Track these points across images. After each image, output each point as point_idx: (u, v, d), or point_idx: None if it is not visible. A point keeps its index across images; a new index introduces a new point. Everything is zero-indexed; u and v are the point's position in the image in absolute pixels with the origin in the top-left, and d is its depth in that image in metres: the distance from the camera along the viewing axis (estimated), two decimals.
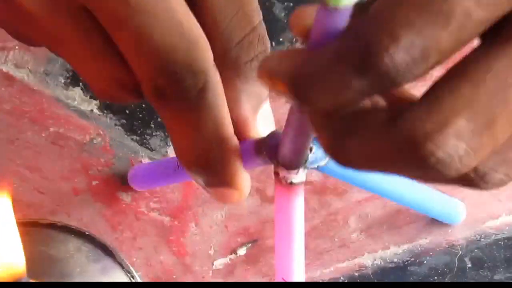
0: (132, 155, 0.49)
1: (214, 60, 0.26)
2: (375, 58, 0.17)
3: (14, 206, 0.33)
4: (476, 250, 0.48)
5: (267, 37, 0.29)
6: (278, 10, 0.51)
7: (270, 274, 0.47)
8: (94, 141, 0.49)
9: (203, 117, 0.26)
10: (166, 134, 0.49)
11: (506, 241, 0.48)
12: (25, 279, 0.33)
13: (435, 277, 0.47)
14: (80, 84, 0.50)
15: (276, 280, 0.35)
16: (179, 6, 0.24)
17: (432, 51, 0.17)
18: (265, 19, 0.29)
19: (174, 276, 0.47)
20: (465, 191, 0.47)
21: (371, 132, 0.19)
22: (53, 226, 0.42)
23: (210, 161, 0.27)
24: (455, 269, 0.47)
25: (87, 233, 0.42)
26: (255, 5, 0.28)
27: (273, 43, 0.51)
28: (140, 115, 0.49)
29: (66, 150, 0.48)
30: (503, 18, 0.18)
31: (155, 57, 0.24)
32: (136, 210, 0.48)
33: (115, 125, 0.49)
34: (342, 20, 0.18)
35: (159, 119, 0.49)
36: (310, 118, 0.21)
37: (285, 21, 0.51)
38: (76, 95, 0.49)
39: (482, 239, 0.48)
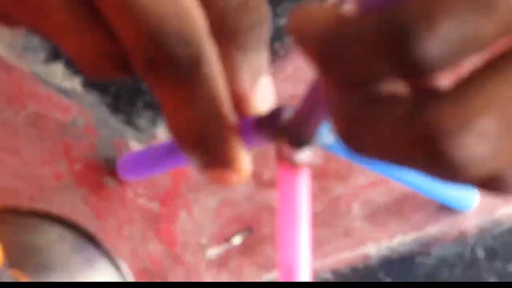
0: (118, 136, 0.48)
1: (210, 28, 0.25)
2: (407, 47, 0.18)
3: None
4: (489, 239, 0.48)
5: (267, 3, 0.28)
6: None
7: (266, 265, 0.47)
8: (77, 122, 0.48)
9: (197, 91, 0.25)
10: (155, 114, 0.49)
11: None
12: (4, 268, 0.34)
13: (445, 269, 0.47)
14: (62, 59, 0.49)
15: (278, 269, 0.35)
16: None
17: (471, 43, 0.18)
18: None
19: (164, 268, 0.47)
20: None
21: (389, 119, 0.20)
22: (33, 213, 0.42)
23: (206, 139, 0.27)
24: (466, 259, 0.47)
25: (69, 221, 0.42)
26: None
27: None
28: (127, 94, 0.49)
29: (46, 132, 0.47)
30: None
31: (143, 25, 0.23)
32: (122, 197, 0.47)
33: (100, 104, 0.49)
34: None
35: (147, 98, 0.49)
36: (328, 93, 0.21)
37: None
38: (57, 71, 0.48)
39: (495, 227, 0.48)
